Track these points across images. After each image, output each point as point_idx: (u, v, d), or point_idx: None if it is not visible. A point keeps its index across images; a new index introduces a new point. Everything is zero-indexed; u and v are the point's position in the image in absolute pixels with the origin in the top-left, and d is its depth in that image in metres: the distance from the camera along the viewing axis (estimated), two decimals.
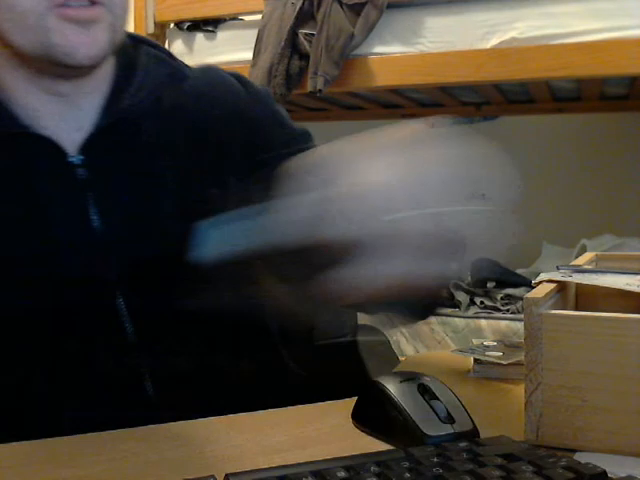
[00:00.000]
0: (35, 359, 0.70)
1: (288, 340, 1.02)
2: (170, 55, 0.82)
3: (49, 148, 0.72)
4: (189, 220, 0.73)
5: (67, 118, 0.74)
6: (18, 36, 0.67)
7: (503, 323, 2.20)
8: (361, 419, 0.62)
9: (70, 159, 0.73)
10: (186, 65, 0.84)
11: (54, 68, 0.70)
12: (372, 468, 0.46)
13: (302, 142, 0.83)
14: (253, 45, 2.26)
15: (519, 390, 0.57)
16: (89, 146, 0.73)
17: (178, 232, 0.72)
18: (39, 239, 0.71)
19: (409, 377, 0.60)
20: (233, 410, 0.66)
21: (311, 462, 0.48)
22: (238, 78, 0.87)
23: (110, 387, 0.71)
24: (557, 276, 0.65)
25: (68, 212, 0.72)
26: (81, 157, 0.73)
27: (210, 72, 0.86)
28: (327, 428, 0.62)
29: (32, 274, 0.70)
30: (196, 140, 0.79)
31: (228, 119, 0.82)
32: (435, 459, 0.47)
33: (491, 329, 2.20)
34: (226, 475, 0.46)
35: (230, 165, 0.80)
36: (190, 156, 0.78)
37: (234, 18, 2.46)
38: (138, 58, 0.78)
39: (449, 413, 0.56)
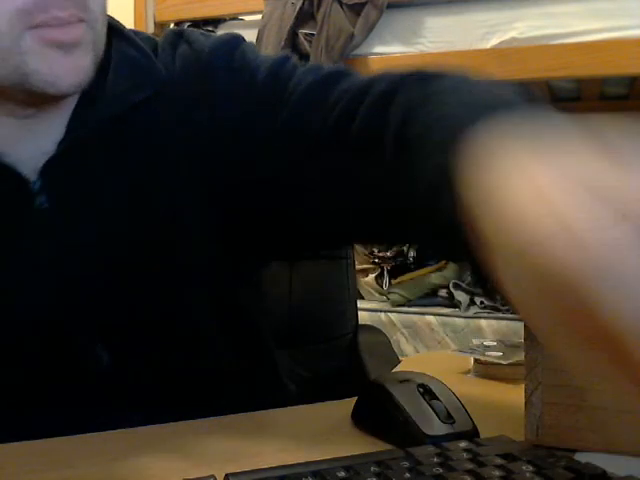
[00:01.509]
0: (32, 358, 0.70)
1: (288, 342, 1.02)
2: (144, 53, 0.69)
3: (7, 176, 0.63)
4: (168, 248, 0.69)
5: (28, 141, 0.64)
6: None
7: (503, 323, 2.20)
8: (361, 419, 0.61)
9: (31, 186, 0.64)
10: (141, 52, 0.70)
11: (26, 96, 0.61)
12: (372, 468, 0.46)
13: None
14: None
15: (519, 390, 0.57)
16: (50, 171, 0.64)
17: (155, 261, 0.69)
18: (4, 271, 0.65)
19: (409, 377, 0.60)
20: (233, 410, 0.66)
21: (311, 462, 0.48)
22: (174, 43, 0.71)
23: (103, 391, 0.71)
24: None
25: (29, 247, 0.65)
26: (40, 183, 0.64)
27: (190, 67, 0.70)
28: (327, 428, 0.62)
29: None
30: (173, 155, 0.69)
31: (214, 127, 0.69)
32: (435, 459, 0.47)
33: (491, 329, 2.21)
34: (226, 475, 0.46)
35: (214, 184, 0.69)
36: (167, 172, 0.69)
37: (234, 18, 2.46)
38: (110, 59, 0.66)
39: (449, 413, 0.56)
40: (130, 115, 0.67)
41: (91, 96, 0.65)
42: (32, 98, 0.61)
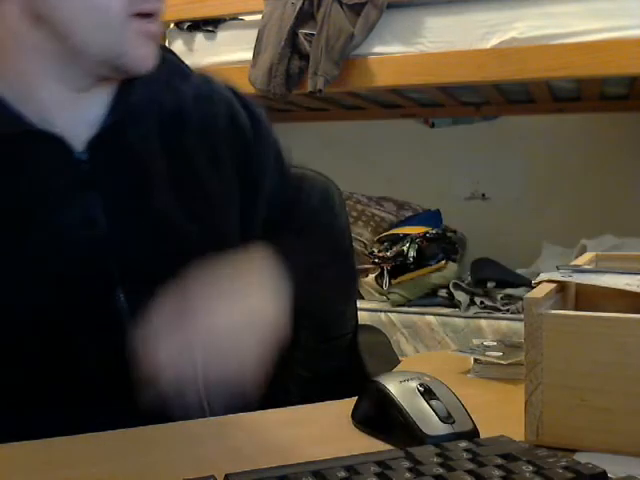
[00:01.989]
0: (32, 359, 0.70)
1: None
2: (171, 52, 0.81)
3: (55, 145, 0.72)
4: (191, 220, 0.77)
5: (78, 115, 0.74)
6: (91, 35, 0.69)
7: (503, 323, 2.20)
8: (361, 419, 0.61)
9: (76, 156, 0.72)
10: (187, 65, 0.84)
11: (109, 71, 0.72)
12: (372, 468, 0.46)
13: (286, 188, 0.88)
14: (253, 45, 2.26)
15: (519, 390, 0.57)
16: (95, 143, 0.73)
17: (181, 231, 0.76)
18: (42, 236, 0.71)
19: (409, 377, 0.60)
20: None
21: (311, 462, 0.48)
22: (235, 93, 0.87)
23: (107, 387, 0.71)
24: (557, 276, 0.65)
25: (72, 209, 0.72)
26: (87, 154, 0.73)
27: (209, 80, 0.86)
28: (327, 428, 0.62)
29: (32, 273, 0.70)
30: (194, 143, 0.80)
31: (225, 132, 0.83)
32: (435, 459, 0.47)
33: (491, 329, 2.20)
34: (226, 475, 0.46)
35: (222, 176, 0.82)
36: (189, 156, 0.79)
37: (234, 18, 2.45)
38: None
39: (449, 413, 0.56)
40: (161, 103, 0.78)
41: (127, 83, 0.76)
42: (108, 74, 0.73)
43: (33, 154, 0.71)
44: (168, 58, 0.81)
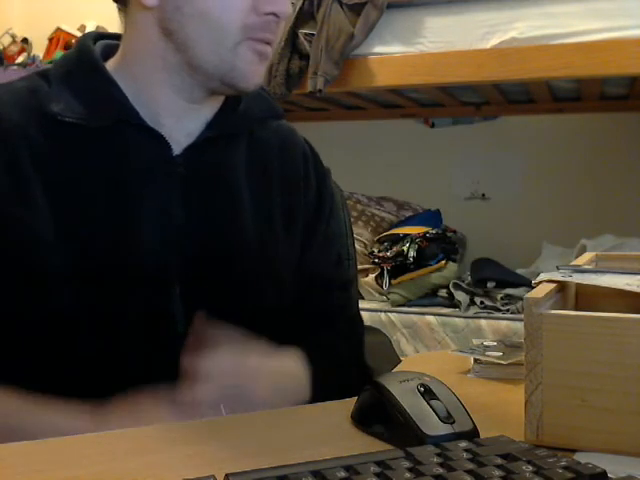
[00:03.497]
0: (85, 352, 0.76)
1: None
2: (268, 92, 0.91)
3: (159, 142, 0.80)
4: (257, 237, 0.85)
5: (183, 123, 0.83)
6: (208, 51, 0.77)
7: (503, 323, 2.20)
8: (361, 419, 0.61)
9: (174, 156, 0.81)
10: (279, 107, 0.93)
11: (217, 85, 0.80)
12: (372, 468, 0.46)
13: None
14: None
15: (519, 390, 0.57)
16: (191, 150, 0.82)
17: (246, 243, 0.84)
18: (122, 219, 0.77)
19: (409, 377, 0.60)
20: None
21: (311, 462, 0.48)
22: (311, 149, 0.97)
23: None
24: (557, 276, 0.65)
25: (156, 198, 0.79)
26: (182, 157, 0.81)
27: (294, 132, 0.97)
28: (327, 428, 0.62)
29: (101, 251, 0.76)
30: (274, 175, 0.89)
31: (298, 180, 0.92)
32: (435, 459, 0.47)
33: (491, 329, 2.20)
34: (226, 475, 0.46)
35: (287, 215, 0.90)
36: (268, 186, 0.88)
37: None
38: None
39: (449, 413, 0.56)
40: (252, 133, 0.89)
41: (232, 106, 0.86)
42: (220, 86, 0.80)
43: (139, 145, 0.80)
44: (264, 96, 0.90)
